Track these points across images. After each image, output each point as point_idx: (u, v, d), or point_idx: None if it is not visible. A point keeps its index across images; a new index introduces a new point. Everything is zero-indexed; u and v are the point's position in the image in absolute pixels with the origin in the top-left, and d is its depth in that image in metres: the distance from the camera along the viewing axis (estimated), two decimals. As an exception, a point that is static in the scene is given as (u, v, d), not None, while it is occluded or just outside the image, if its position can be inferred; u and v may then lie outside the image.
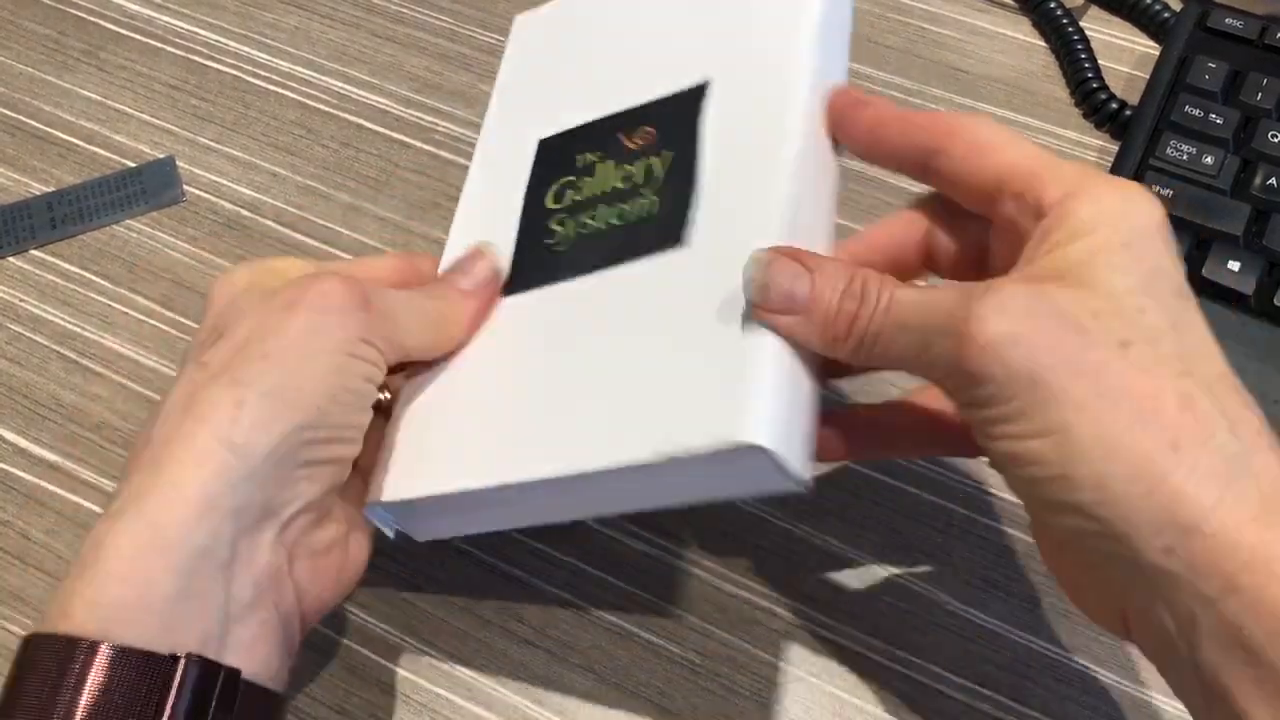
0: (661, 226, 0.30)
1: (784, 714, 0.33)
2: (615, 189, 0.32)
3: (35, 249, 0.44)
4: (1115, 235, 0.24)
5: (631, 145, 0.33)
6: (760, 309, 0.26)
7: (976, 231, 0.28)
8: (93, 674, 0.23)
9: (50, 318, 0.42)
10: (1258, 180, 0.42)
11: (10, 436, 0.39)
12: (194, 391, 0.26)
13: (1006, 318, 0.23)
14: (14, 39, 0.51)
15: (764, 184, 0.29)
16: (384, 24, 0.52)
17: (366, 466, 0.31)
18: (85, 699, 0.23)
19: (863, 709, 0.34)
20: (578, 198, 0.33)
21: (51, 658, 0.23)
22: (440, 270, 0.33)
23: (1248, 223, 0.41)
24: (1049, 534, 0.26)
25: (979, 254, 0.29)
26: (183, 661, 0.24)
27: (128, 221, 0.45)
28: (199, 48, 0.51)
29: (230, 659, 0.25)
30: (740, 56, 0.33)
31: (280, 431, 0.26)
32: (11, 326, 0.42)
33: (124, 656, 0.23)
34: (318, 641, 0.35)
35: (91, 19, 0.52)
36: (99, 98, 0.49)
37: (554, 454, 0.28)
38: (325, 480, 0.28)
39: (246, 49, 0.51)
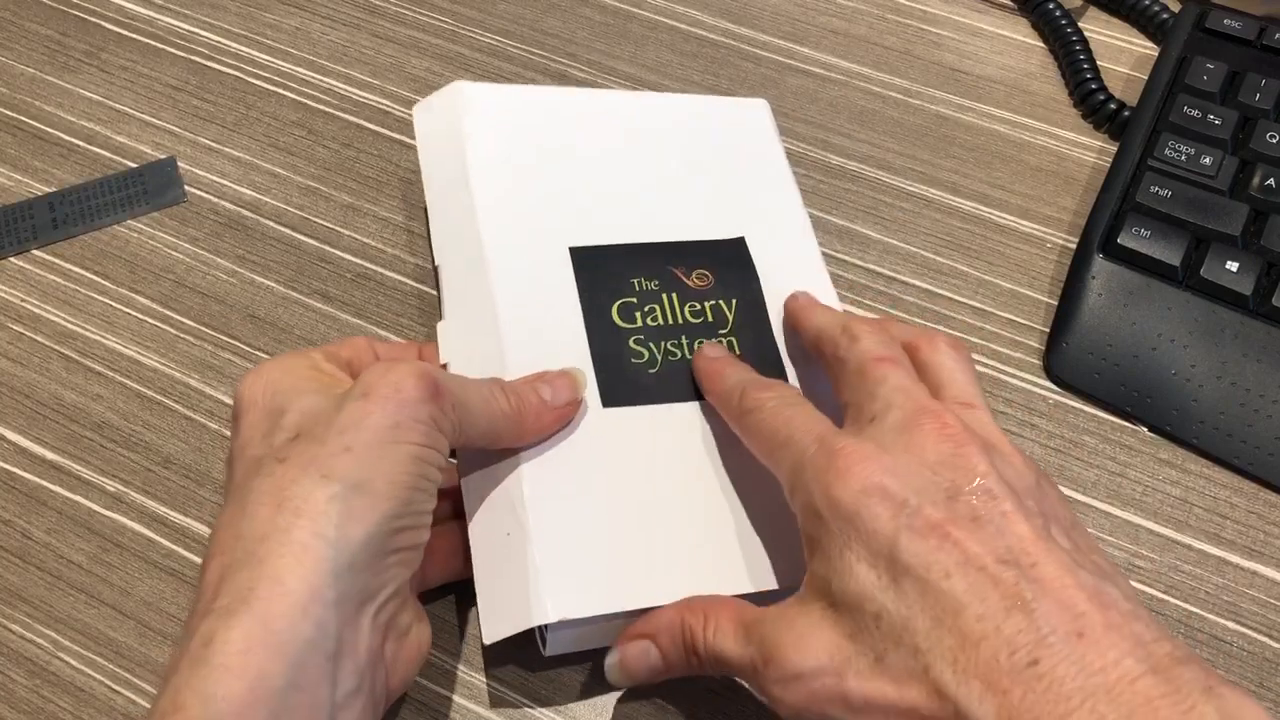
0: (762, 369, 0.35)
1: (783, 713, 0.34)
2: (690, 323, 0.37)
3: (37, 249, 0.44)
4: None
5: (691, 284, 0.37)
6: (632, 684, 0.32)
7: None
8: None
9: (52, 317, 0.42)
10: (1256, 181, 0.42)
11: (12, 436, 0.39)
12: (281, 488, 0.27)
13: (795, 679, 0.26)
14: (16, 40, 0.51)
15: None
16: (385, 25, 0.52)
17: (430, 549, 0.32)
18: None
19: (862, 708, 0.34)
20: (653, 323, 0.36)
21: None
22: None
23: (1246, 223, 0.41)
24: None
25: None
26: None
27: (129, 221, 0.45)
28: (200, 48, 0.51)
29: None
30: (750, 207, 0.40)
31: (373, 521, 0.27)
32: (13, 326, 0.42)
33: None
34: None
35: (93, 20, 0.52)
36: (100, 98, 0.49)
37: (740, 574, 0.32)
38: (410, 565, 0.29)
39: (248, 50, 0.51)
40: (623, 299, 0.36)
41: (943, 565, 0.25)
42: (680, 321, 0.36)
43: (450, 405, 0.29)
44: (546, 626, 0.31)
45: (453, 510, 0.34)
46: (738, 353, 0.36)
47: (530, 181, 0.38)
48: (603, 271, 0.37)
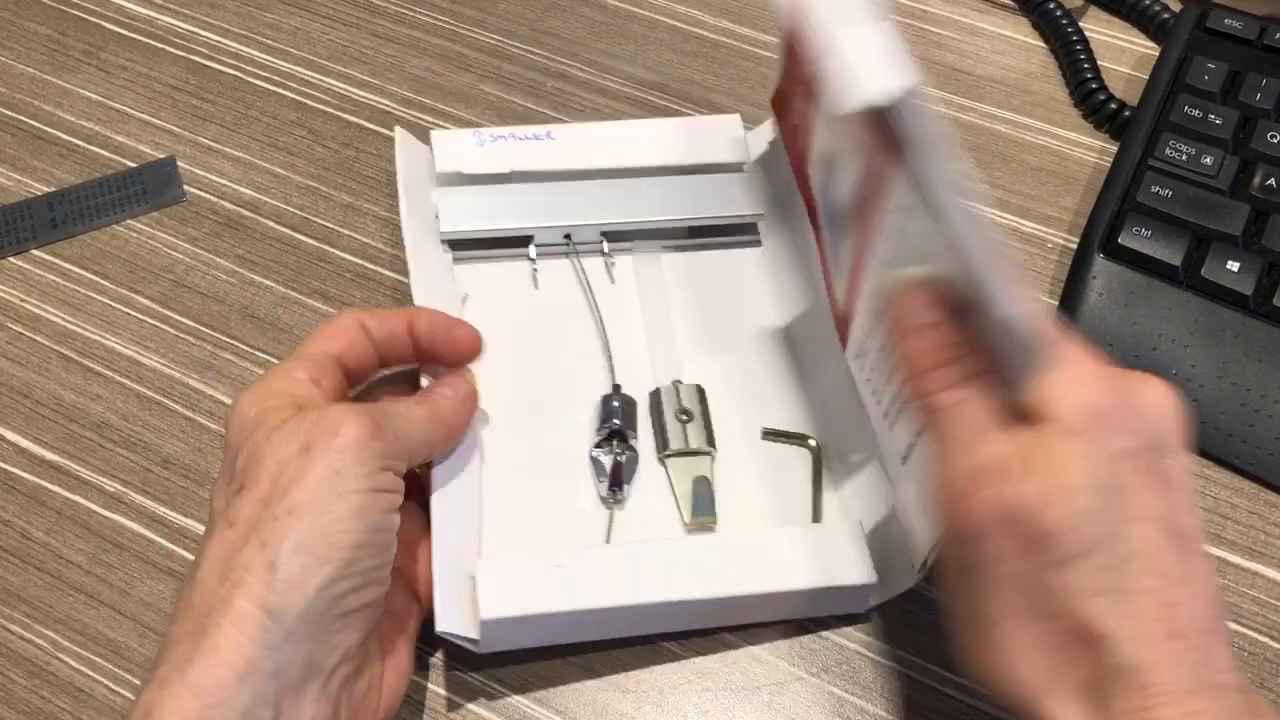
0: None
1: (784, 714, 0.33)
2: None
3: (36, 249, 0.44)
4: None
5: None
6: None
7: None
8: None
9: (51, 317, 0.42)
10: (1256, 180, 0.42)
11: (11, 436, 0.39)
12: (228, 555, 0.27)
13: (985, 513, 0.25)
14: (15, 39, 0.51)
15: None
16: (384, 25, 0.52)
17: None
18: None
19: (863, 709, 0.34)
20: None
21: None
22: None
23: (1246, 223, 0.41)
24: None
25: None
26: None
27: (128, 221, 0.45)
28: (200, 48, 0.51)
29: None
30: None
31: (314, 589, 0.26)
32: (12, 326, 0.42)
33: None
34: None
35: (92, 19, 0.52)
36: (100, 98, 0.49)
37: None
38: (362, 626, 0.28)
39: (247, 49, 0.51)
40: None
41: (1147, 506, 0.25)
42: None
43: (393, 440, 0.29)
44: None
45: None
46: None
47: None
48: None
